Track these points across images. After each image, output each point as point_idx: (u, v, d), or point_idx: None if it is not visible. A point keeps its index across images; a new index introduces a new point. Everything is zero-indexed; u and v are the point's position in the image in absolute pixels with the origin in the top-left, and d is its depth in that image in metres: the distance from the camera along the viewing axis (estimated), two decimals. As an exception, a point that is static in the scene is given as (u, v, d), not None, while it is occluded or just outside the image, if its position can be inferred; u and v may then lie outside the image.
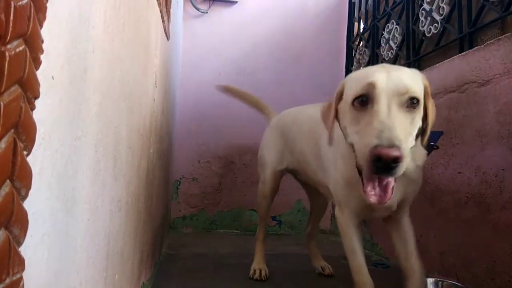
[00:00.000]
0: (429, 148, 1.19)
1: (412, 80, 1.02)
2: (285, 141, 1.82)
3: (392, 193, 0.98)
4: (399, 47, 2.42)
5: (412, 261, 1.31)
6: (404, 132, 0.94)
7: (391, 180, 0.98)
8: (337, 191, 1.34)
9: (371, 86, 0.98)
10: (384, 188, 0.98)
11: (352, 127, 1.04)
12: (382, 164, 0.88)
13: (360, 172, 1.04)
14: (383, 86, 0.97)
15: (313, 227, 2.04)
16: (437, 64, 1.91)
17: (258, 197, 1.96)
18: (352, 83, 1.08)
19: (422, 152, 1.20)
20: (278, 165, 1.86)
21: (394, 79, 0.99)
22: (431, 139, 1.19)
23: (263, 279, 1.80)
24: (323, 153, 1.46)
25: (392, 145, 0.88)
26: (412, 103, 0.99)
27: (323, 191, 1.59)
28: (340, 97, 1.14)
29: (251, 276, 1.82)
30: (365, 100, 1.00)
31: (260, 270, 1.84)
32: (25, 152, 0.39)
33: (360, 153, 0.96)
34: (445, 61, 1.85)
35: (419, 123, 1.04)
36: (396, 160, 0.88)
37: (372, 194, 0.97)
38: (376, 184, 0.98)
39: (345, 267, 1.42)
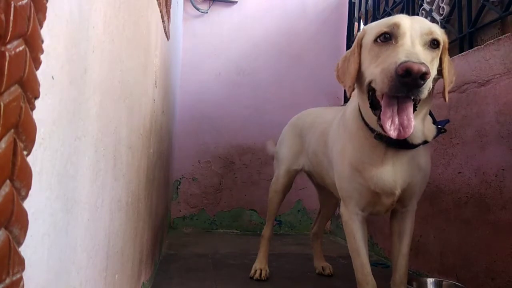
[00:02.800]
0: (437, 131, 1.20)
1: (434, 25, 1.09)
2: (302, 142, 1.81)
3: (412, 126, 0.98)
4: (399, 47, 2.42)
5: (400, 260, 1.32)
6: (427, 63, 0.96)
7: (410, 109, 0.98)
8: (342, 184, 1.33)
9: (396, 25, 1.02)
10: (404, 121, 0.98)
11: (372, 64, 1.06)
12: (411, 79, 0.89)
13: (372, 124, 1.10)
14: (408, 26, 1.02)
15: (319, 228, 2.04)
16: (437, 64, 1.91)
17: (270, 191, 1.94)
18: (375, 25, 1.11)
19: (432, 127, 1.20)
20: (293, 164, 1.85)
21: (418, 22, 1.05)
22: (438, 124, 1.22)
23: (263, 279, 1.80)
24: (329, 149, 1.46)
25: (421, 63, 0.90)
26: (433, 43, 1.05)
27: (336, 193, 1.58)
28: (360, 43, 1.15)
29: (251, 276, 1.82)
30: (388, 37, 1.03)
31: (261, 270, 1.83)
32: (25, 152, 0.39)
33: (382, 77, 0.96)
34: (445, 61, 1.85)
35: (435, 69, 1.08)
36: (424, 77, 0.90)
37: (392, 128, 0.98)
38: (396, 116, 0.98)
39: (345, 267, 1.42)
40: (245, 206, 3.12)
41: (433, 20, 2.07)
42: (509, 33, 1.49)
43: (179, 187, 3.08)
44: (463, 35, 1.84)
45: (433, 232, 1.85)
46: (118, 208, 0.88)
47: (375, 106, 1.08)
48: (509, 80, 1.46)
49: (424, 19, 1.11)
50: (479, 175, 1.59)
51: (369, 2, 2.93)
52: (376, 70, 1.02)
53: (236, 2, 3.22)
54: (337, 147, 1.37)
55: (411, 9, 2.31)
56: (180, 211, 3.07)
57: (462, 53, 1.75)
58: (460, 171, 1.70)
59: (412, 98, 0.98)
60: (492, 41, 1.57)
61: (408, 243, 1.34)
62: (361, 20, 3.14)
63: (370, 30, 1.12)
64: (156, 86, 1.52)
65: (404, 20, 1.04)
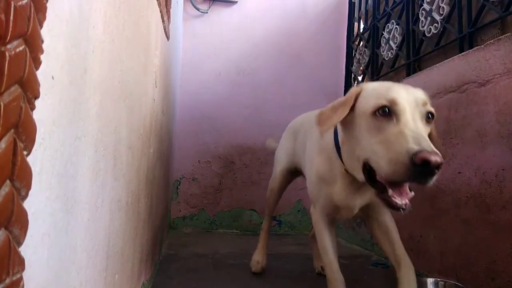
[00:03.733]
0: None
1: (425, 94, 1.05)
2: (295, 144, 1.88)
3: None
4: (399, 47, 2.42)
5: (398, 252, 1.30)
6: None
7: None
8: (310, 189, 1.41)
9: (393, 101, 0.98)
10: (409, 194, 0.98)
11: (371, 138, 1.01)
12: (429, 169, 0.86)
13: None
14: (405, 100, 0.98)
15: None
16: (437, 64, 1.91)
17: (268, 190, 2.05)
18: (371, 94, 1.05)
19: None
20: (289, 164, 1.93)
21: (413, 93, 1.01)
22: None
23: (259, 271, 1.90)
24: (306, 154, 1.53)
25: (436, 152, 0.87)
26: (428, 117, 1.02)
27: None
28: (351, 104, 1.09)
29: (251, 268, 1.93)
30: (386, 112, 0.98)
31: (258, 262, 1.94)
32: (25, 152, 0.39)
33: (391, 161, 0.92)
34: (445, 61, 1.85)
35: None
36: (440, 166, 0.87)
37: (403, 202, 0.96)
38: (405, 189, 0.98)
39: (345, 267, 1.42)
40: (245, 206, 3.12)
41: (433, 20, 2.07)
42: (509, 33, 1.49)
43: (179, 187, 3.08)
44: (463, 35, 1.84)
45: (433, 232, 1.85)
46: (118, 208, 0.88)
47: (372, 179, 1.04)
48: (509, 80, 1.46)
49: (415, 88, 1.06)
50: (479, 175, 1.59)
51: (369, 2, 2.93)
52: (378, 148, 0.98)
53: (236, 2, 3.22)
54: (310, 152, 1.44)
55: (411, 9, 2.31)
56: (180, 211, 3.07)
57: (462, 53, 1.75)
58: (460, 171, 1.70)
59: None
60: (492, 41, 1.56)
61: (398, 238, 1.32)
62: (361, 20, 3.14)
63: (367, 95, 1.06)
64: (156, 86, 1.52)
65: (401, 95, 0.99)
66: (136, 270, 1.19)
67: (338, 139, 1.22)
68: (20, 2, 0.36)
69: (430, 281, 1.47)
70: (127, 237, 1.00)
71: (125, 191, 0.95)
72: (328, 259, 1.34)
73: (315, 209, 1.40)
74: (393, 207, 0.96)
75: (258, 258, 1.96)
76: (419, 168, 0.87)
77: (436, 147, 0.97)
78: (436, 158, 0.85)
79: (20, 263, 0.39)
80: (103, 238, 0.76)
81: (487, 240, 1.52)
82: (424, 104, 1.00)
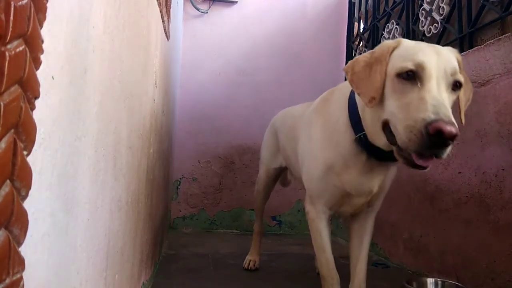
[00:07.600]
0: None
1: (456, 62, 1.00)
2: (278, 140, 1.87)
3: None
4: (399, 47, 2.41)
5: (360, 263, 1.34)
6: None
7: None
8: (311, 183, 1.32)
9: (421, 66, 0.94)
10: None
11: (394, 100, 0.97)
12: (442, 139, 0.84)
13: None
14: (434, 67, 0.94)
15: None
16: (437, 64, 1.91)
17: (254, 192, 2.06)
18: (402, 54, 1.00)
19: None
20: (272, 163, 1.93)
21: (444, 60, 0.96)
22: None
23: (251, 268, 1.93)
24: (300, 146, 1.46)
25: (452, 123, 0.84)
26: (456, 86, 0.97)
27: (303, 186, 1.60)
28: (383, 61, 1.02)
29: (244, 266, 1.97)
30: (411, 75, 0.94)
31: (250, 261, 1.97)
32: (25, 152, 0.39)
33: (408, 133, 0.89)
34: (445, 61, 1.85)
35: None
36: (454, 138, 0.84)
37: (422, 163, 0.91)
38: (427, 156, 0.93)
39: (345, 267, 1.42)
40: (245, 206, 3.12)
41: (433, 20, 2.07)
42: (509, 33, 1.49)
43: (179, 187, 3.08)
44: (463, 35, 1.84)
45: (433, 232, 1.85)
46: (118, 208, 0.88)
47: (391, 140, 1.01)
48: (509, 80, 1.46)
49: (448, 52, 1.01)
50: (479, 175, 1.59)
51: (369, 2, 2.93)
52: (398, 112, 0.95)
53: (236, 2, 3.22)
54: (309, 145, 1.34)
55: (411, 9, 2.31)
56: (180, 211, 3.07)
57: (462, 53, 1.75)
58: (460, 171, 1.70)
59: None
60: (492, 41, 1.56)
61: (368, 245, 1.36)
62: (361, 20, 3.14)
63: (398, 54, 1.01)
64: (156, 86, 1.52)
65: (430, 60, 0.95)
66: (136, 270, 1.19)
67: (351, 103, 1.18)
68: (20, 2, 0.36)
69: (430, 281, 1.47)
70: (127, 237, 1.00)
71: (125, 191, 0.95)
72: (325, 257, 1.32)
73: (314, 206, 1.32)
74: (414, 166, 0.92)
75: (251, 258, 1.99)
76: (433, 138, 0.84)
77: (464, 95, 1.00)
78: (451, 128, 0.83)
79: (20, 263, 0.39)
80: (103, 238, 0.76)
81: (487, 240, 1.52)
82: (453, 73, 0.96)
